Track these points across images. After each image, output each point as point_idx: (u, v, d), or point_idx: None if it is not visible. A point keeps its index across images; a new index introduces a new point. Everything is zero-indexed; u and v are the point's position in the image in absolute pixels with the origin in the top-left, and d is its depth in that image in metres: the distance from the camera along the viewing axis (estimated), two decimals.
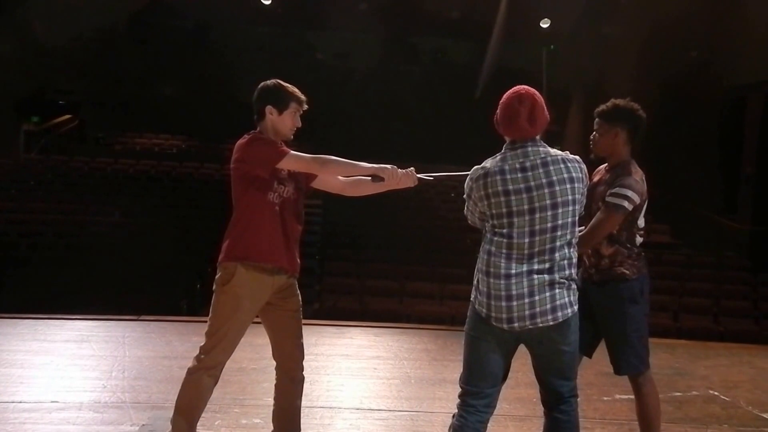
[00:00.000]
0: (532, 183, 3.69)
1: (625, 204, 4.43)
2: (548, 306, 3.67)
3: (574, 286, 3.78)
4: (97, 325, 8.58)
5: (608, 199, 4.46)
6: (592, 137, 4.80)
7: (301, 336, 4.56)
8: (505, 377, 3.92)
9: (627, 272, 4.58)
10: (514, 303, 3.67)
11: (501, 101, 3.89)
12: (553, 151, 3.81)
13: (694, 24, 17.19)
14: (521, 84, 3.93)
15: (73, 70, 23.52)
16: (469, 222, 4.05)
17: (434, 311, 11.31)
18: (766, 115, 16.82)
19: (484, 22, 22.06)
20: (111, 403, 5.82)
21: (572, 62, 22.63)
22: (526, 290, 3.67)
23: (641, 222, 4.65)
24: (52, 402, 5.78)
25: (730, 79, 17.31)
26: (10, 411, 5.55)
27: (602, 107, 4.78)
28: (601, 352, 4.79)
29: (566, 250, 3.74)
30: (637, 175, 4.55)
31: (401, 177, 4.31)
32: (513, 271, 3.68)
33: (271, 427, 4.66)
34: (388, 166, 4.31)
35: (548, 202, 3.67)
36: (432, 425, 5.63)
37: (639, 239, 4.67)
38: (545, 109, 3.86)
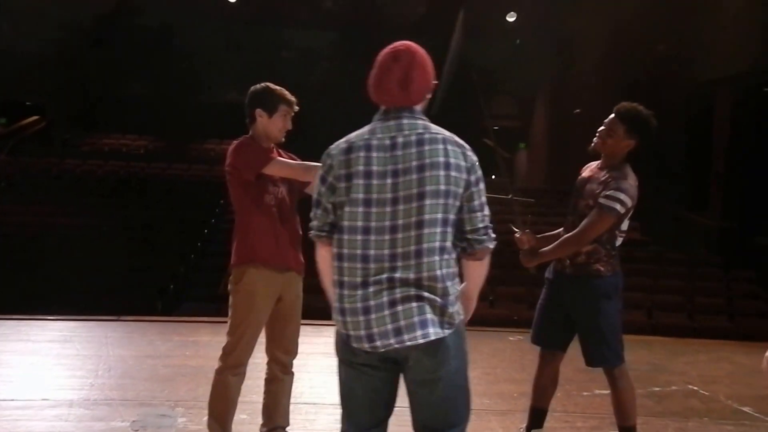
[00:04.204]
0: (400, 166, 2.93)
1: (618, 207, 4.47)
2: (416, 319, 2.90)
3: (451, 308, 2.96)
4: (78, 326, 8.68)
5: (601, 200, 4.50)
6: (601, 132, 4.68)
7: (298, 333, 4.75)
8: (388, 411, 3.15)
9: (602, 269, 4.65)
10: (373, 316, 2.90)
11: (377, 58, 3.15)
12: (434, 128, 3.03)
13: (661, 20, 17.33)
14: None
15: (39, 71, 23.45)
16: (313, 232, 3.12)
17: None
18: (735, 110, 16.91)
19: (449, 18, 22.20)
20: (100, 400, 5.92)
21: (538, 57, 22.69)
22: (386, 299, 2.90)
23: (624, 225, 4.70)
24: (42, 399, 5.87)
25: (699, 75, 17.40)
26: (2, 408, 5.65)
27: (626, 110, 4.65)
28: (578, 348, 4.89)
29: (435, 257, 2.92)
30: (632, 180, 4.59)
31: None
32: (371, 278, 2.92)
33: (258, 423, 4.81)
34: None
35: (415, 191, 2.90)
36: None
37: (619, 241, 4.73)
38: (428, 72, 3.10)
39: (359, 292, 2.93)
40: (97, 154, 22.63)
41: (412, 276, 2.91)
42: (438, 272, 2.92)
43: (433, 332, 2.90)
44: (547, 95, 24.57)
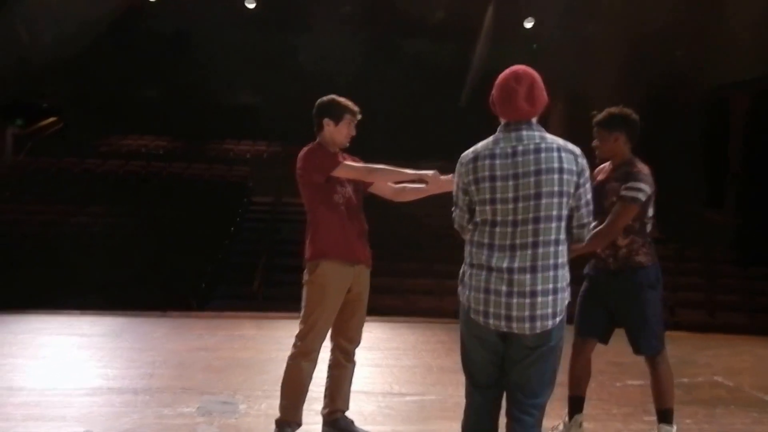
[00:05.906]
0: (520, 170, 3.45)
1: (640, 196, 4.87)
2: (526, 313, 3.43)
3: (561, 294, 3.51)
4: (126, 321, 8.97)
5: (623, 193, 4.88)
6: (594, 144, 5.16)
7: (362, 323, 5.09)
8: (501, 372, 3.68)
9: (643, 260, 5.02)
10: (492, 297, 3.46)
11: (497, 81, 3.65)
12: (550, 138, 3.55)
13: (678, 24, 17.40)
14: None
15: (57, 73, 23.59)
16: (456, 226, 3.76)
17: (437, 306, 11.77)
18: (751, 112, 17.23)
19: (468, 24, 22.36)
20: (163, 388, 6.24)
21: (556, 62, 22.79)
22: (504, 288, 3.44)
23: (650, 211, 5.07)
24: (108, 389, 6.20)
25: (715, 79, 17.64)
26: (73, 396, 5.96)
27: (599, 117, 5.18)
28: (611, 341, 5.24)
29: (550, 248, 3.46)
30: (645, 169, 5.01)
31: (443, 182, 4.70)
32: (493, 264, 3.46)
33: (314, 409, 5.15)
34: (430, 171, 4.80)
35: (532, 191, 3.42)
36: (461, 408, 6.07)
37: (649, 228, 5.11)
38: (544, 90, 3.62)
39: (484, 274, 3.50)
40: (116, 154, 22.87)
41: (528, 264, 3.44)
42: (551, 261, 3.46)
43: (541, 325, 3.45)
44: (564, 99, 24.72)
